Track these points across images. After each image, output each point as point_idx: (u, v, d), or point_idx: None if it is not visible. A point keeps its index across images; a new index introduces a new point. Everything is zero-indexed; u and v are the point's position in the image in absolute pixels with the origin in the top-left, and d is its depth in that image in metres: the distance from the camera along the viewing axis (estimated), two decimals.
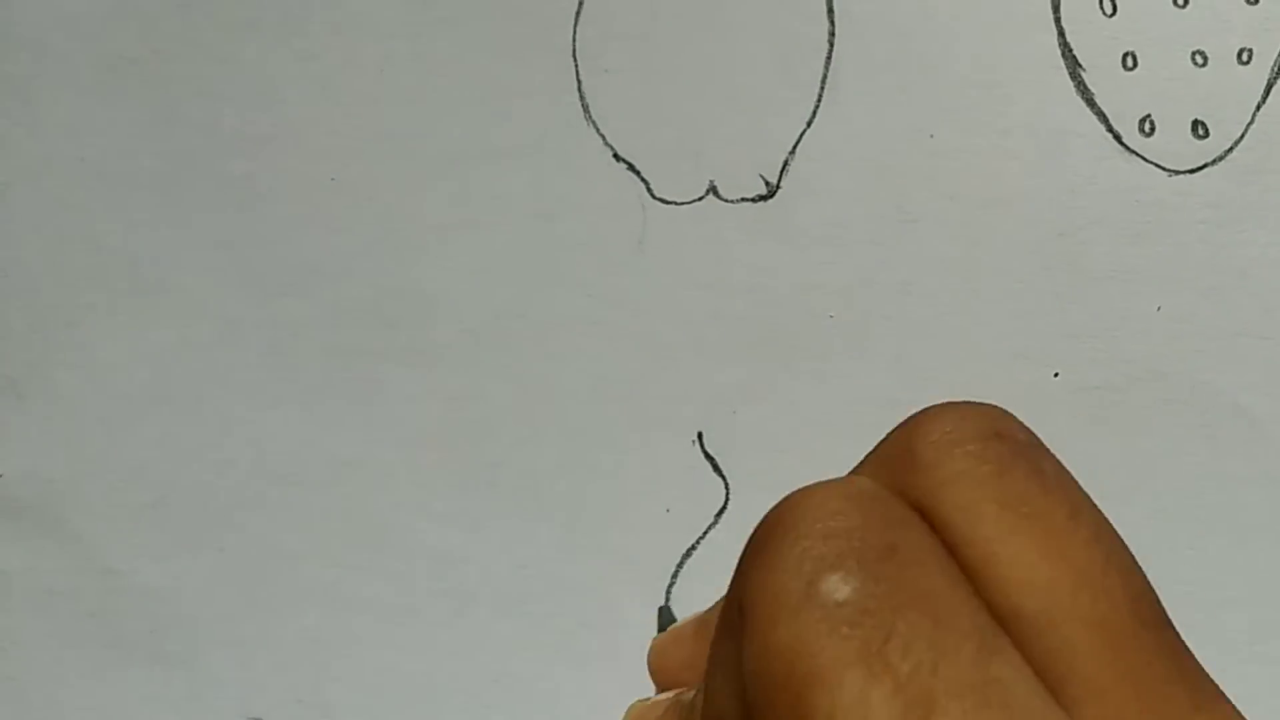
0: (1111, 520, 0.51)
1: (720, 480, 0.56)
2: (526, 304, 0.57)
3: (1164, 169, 0.54)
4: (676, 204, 0.56)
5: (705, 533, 0.55)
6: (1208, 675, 0.25)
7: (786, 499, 0.25)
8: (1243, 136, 0.53)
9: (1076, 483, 0.26)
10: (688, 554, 0.56)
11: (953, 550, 0.25)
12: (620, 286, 0.56)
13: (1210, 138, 0.53)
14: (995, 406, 0.27)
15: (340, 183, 0.58)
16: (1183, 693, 0.24)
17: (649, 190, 0.57)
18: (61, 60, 0.59)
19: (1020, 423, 0.27)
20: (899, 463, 0.26)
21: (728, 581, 0.56)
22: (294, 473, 0.58)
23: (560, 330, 0.57)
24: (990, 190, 0.55)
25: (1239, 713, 0.24)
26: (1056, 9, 0.54)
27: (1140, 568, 0.26)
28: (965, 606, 0.24)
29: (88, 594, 0.58)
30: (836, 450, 0.53)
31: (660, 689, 0.37)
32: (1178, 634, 0.26)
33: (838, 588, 0.23)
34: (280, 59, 0.58)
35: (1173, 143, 0.54)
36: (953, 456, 0.25)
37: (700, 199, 0.56)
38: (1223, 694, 0.25)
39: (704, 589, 0.54)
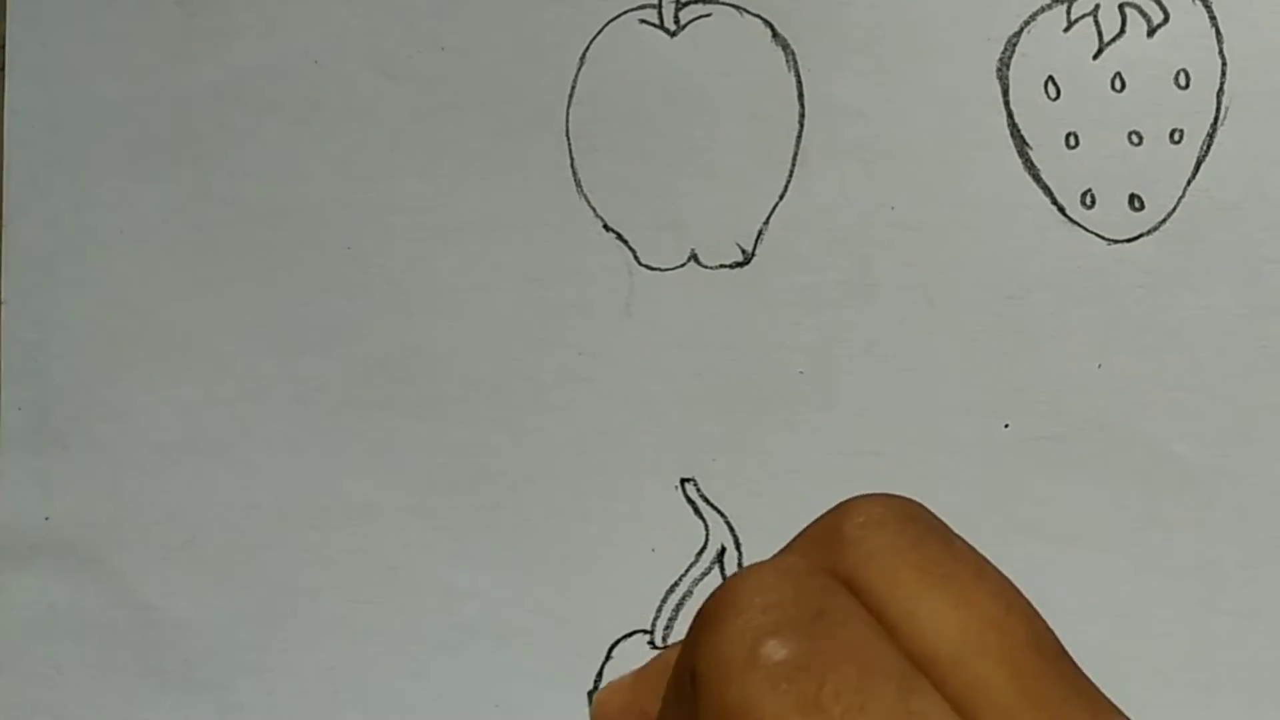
0: (1057, 558, 0.56)
1: (700, 522, 0.57)
2: (524, 362, 0.58)
3: (1103, 238, 0.55)
4: (661, 270, 0.58)
5: (686, 570, 0.57)
6: (1104, 696, 0.27)
7: (729, 580, 0.27)
8: (1175, 209, 0.55)
9: (980, 554, 0.29)
10: (670, 589, 0.57)
11: (875, 611, 0.27)
12: (610, 346, 0.58)
13: (1145, 210, 0.55)
14: (908, 498, 0.30)
15: (355, 252, 0.60)
16: (1082, 707, 0.26)
17: (636, 258, 0.58)
18: (102, 141, 0.61)
19: (930, 511, 0.30)
20: (828, 541, 0.28)
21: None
22: (313, 516, 0.59)
23: (555, 386, 0.58)
24: (945, 257, 0.56)
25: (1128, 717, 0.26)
26: (1006, 93, 0.56)
27: (1039, 614, 0.28)
28: (886, 655, 0.26)
29: (125, 626, 0.60)
30: (806, 494, 0.57)
31: None
32: (1075, 664, 0.28)
33: (776, 650, 0.25)
34: (300, 139, 0.60)
35: (1111, 214, 0.55)
36: (876, 534, 0.28)
37: (682, 266, 0.58)
38: (1118, 710, 0.27)
39: (685, 619, 0.57)
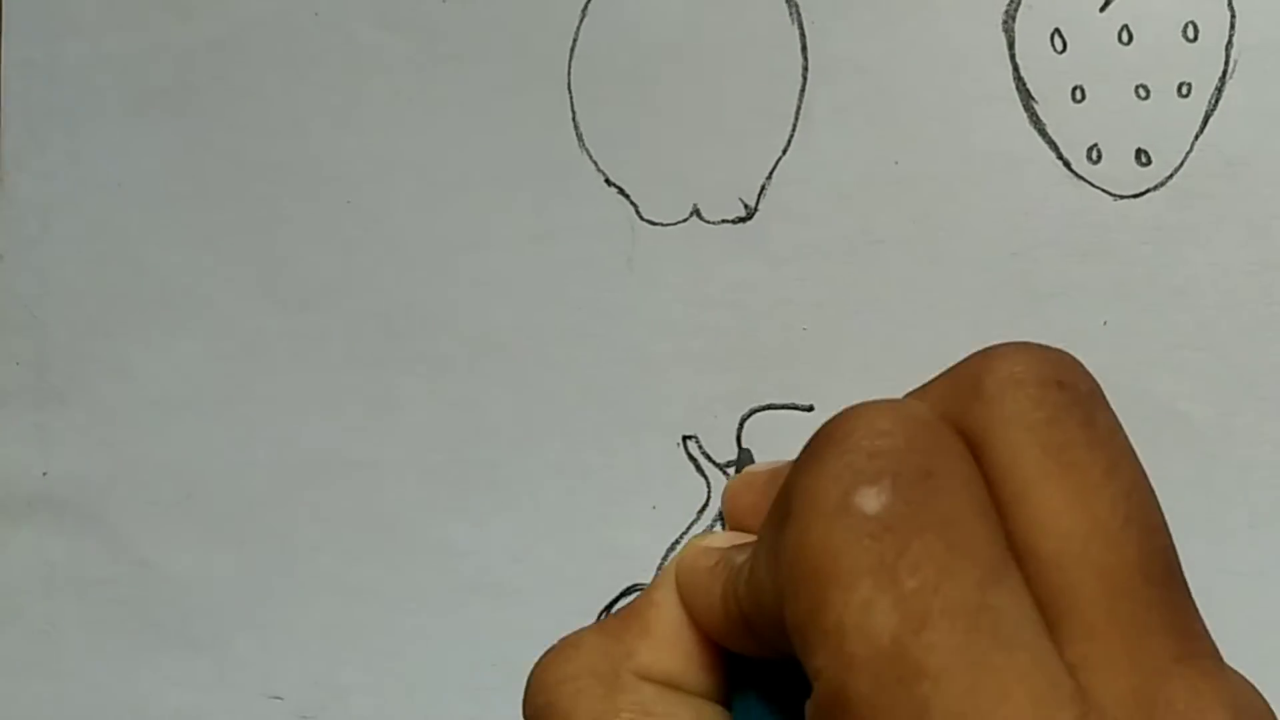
0: None
1: (702, 480, 0.57)
2: (525, 317, 0.58)
3: (1109, 194, 0.55)
4: (663, 225, 0.58)
5: (688, 528, 0.57)
6: (1205, 635, 0.25)
7: (844, 412, 0.26)
8: (1182, 164, 0.54)
9: (1124, 438, 0.26)
10: (671, 547, 0.57)
11: (991, 482, 0.25)
12: (611, 301, 0.58)
13: (1152, 165, 0.55)
14: (1064, 353, 0.27)
15: (355, 206, 0.59)
16: (1169, 643, 0.24)
17: (638, 213, 0.58)
18: (101, 94, 0.61)
19: (1085, 371, 0.27)
20: (965, 389, 0.26)
21: None
22: (311, 472, 0.59)
23: (556, 341, 0.58)
24: (950, 213, 0.56)
25: (1224, 665, 0.24)
26: (1011, 46, 0.56)
27: (1163, 530, 0.26)
28: (982, 536, 0.24)
29: (124, 583, 0.60)
30: None
31: (729, 528, 0.37)
32: (1186, 594, 0.25)
33: (869, 502, 0.24)
34: (300, 93, 0.60)
35: (1117, 170, 0.55)
36: (1013, 396, 0.25)
37: (684, 221, 0.58)
38: (1214, 651, 0.25)
39: None
